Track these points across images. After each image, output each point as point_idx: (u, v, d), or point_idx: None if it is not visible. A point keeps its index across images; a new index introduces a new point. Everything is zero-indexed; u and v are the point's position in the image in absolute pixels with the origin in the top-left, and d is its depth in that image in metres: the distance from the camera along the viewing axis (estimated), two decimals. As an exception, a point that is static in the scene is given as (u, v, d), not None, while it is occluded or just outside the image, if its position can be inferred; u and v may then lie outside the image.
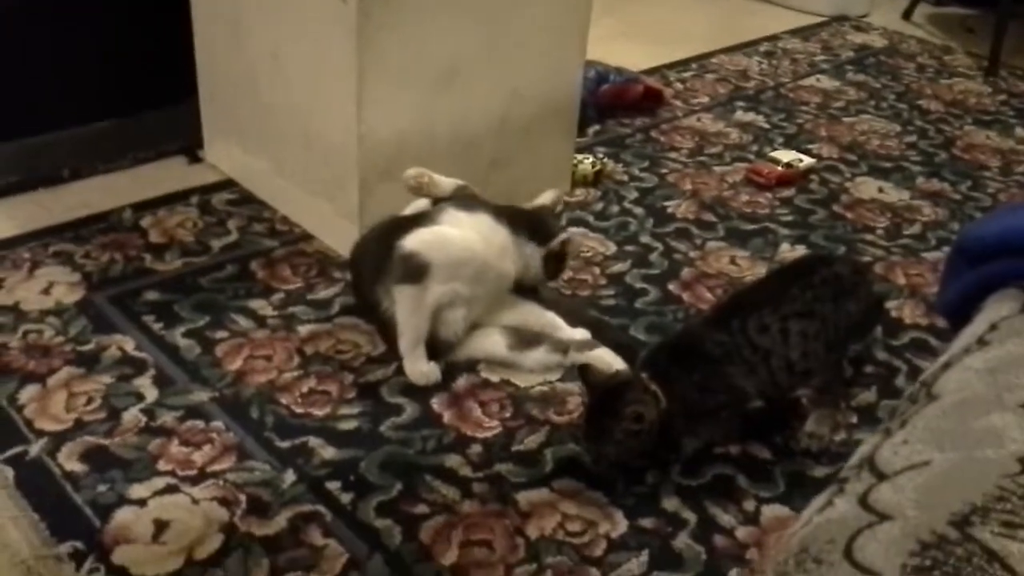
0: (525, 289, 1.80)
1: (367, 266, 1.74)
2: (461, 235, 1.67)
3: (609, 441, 1.46)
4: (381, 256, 1.67)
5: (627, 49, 3.11)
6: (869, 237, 2.24)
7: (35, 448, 1.48)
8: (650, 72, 3.02)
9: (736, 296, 1.70)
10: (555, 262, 1.78)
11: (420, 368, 1.67)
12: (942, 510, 0.53)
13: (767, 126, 2.79)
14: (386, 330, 1.72)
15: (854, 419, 1.65)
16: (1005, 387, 0.64)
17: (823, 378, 1.60)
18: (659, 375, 1.48)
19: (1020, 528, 0.51)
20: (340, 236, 2.02)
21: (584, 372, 1.52)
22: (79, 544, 1.32)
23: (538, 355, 1.71)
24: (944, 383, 0.67)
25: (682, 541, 1.40)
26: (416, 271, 1.62)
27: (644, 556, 1.37)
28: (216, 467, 1.47)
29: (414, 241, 1.64)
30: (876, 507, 0.55)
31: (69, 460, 1.46)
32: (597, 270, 2.03)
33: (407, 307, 1.66)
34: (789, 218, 2.30)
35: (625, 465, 1.50)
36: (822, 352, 1.54)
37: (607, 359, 1.62)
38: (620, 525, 1.42)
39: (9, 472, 1.44)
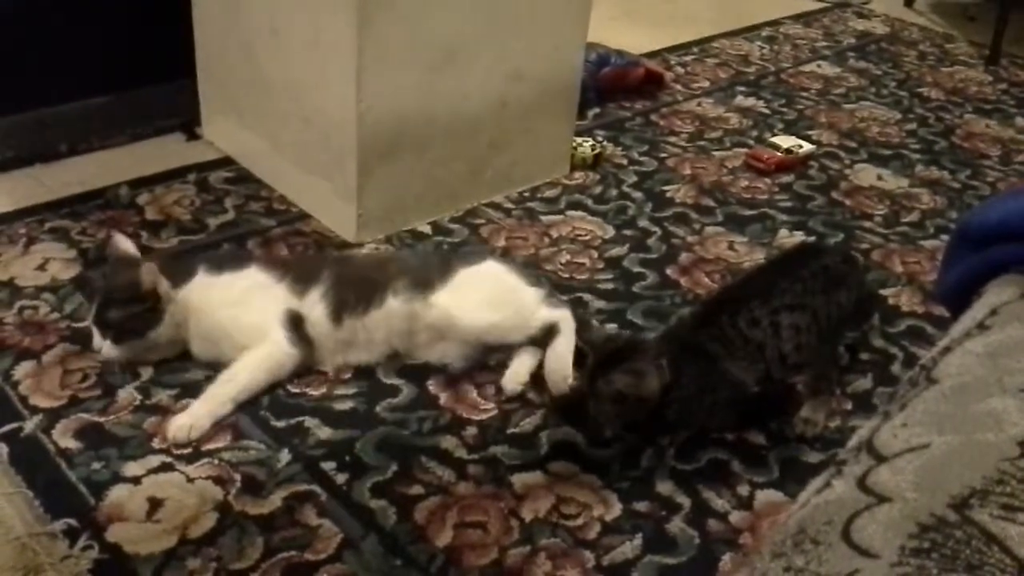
0: None
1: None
2: None
3: (604, 399, 1.44)
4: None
5: (629, 32, 3.10)
6: (867, 224, 2.23)
7: (30, 425, 1.48)
8: (651, 55, 3.01)
9: (723, 291, 1.69)
10: None
11: None
12: (941, 493, 0.53)
13: (767, 111, 2.78)
14: None
15: (849, 406, 1.65)
16: (1005, 371, 0.64)
17: (817, 370, 1.60)
18: (671, 359, 1.45)
19: (1019, 511, 0.51)
20: (338, 216, 2.01)
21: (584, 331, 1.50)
22: (73, 521, 1.32)
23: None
24: (944, 367, 0.67)
25: (676, 525, 1.40)
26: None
27: (638, 540, 1.37)
28: (211, 446, 1.47)
29: None
30: (875, 489, 0.55)
31: (64, 437, 1.46)
32: (595, 254, 2.03)
33: None
34: (788, 204, 2.29)
35: (616, 435, 1.51)
36: (815, 344, 1.54)
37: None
38: (614, 508, 1.42)
39: (3, 448, 1.43)
